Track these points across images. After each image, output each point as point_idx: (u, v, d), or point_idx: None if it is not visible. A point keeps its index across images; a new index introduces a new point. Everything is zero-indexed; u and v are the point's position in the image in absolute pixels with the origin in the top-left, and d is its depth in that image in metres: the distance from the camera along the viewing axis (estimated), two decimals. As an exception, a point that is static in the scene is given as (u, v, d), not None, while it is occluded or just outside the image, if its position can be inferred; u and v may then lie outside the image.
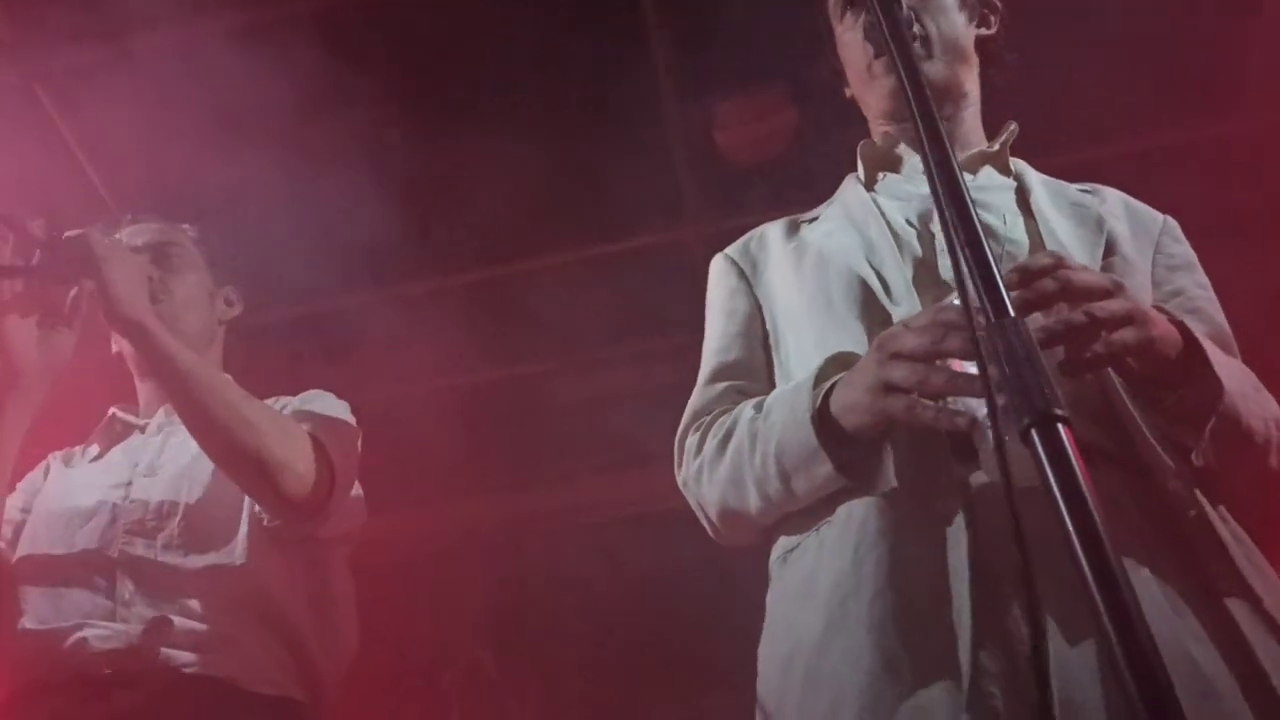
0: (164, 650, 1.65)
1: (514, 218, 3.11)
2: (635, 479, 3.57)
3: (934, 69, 1.53)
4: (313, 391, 2.00)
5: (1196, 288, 1.45)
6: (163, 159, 2.88)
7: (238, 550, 1.75)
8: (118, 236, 1.97)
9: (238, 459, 1.68)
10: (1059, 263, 1.17)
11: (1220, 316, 1.43)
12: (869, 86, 1.60)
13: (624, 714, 3.66)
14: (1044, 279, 1.14)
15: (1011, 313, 0.78)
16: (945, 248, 1.36)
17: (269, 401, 1.95)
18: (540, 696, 3.89)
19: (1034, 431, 0.73)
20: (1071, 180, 1.58)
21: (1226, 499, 1.26)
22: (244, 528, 1.76)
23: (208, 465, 1.79)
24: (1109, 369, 1.22)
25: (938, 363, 1.15)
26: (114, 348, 2.04)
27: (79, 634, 1.66)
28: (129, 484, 1.83)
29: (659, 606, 3.62)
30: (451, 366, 3.60)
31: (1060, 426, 0.72)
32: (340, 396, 2.01)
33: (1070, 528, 0.70)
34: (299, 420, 1.82)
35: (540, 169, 2.97)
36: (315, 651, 1.78)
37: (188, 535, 1.75)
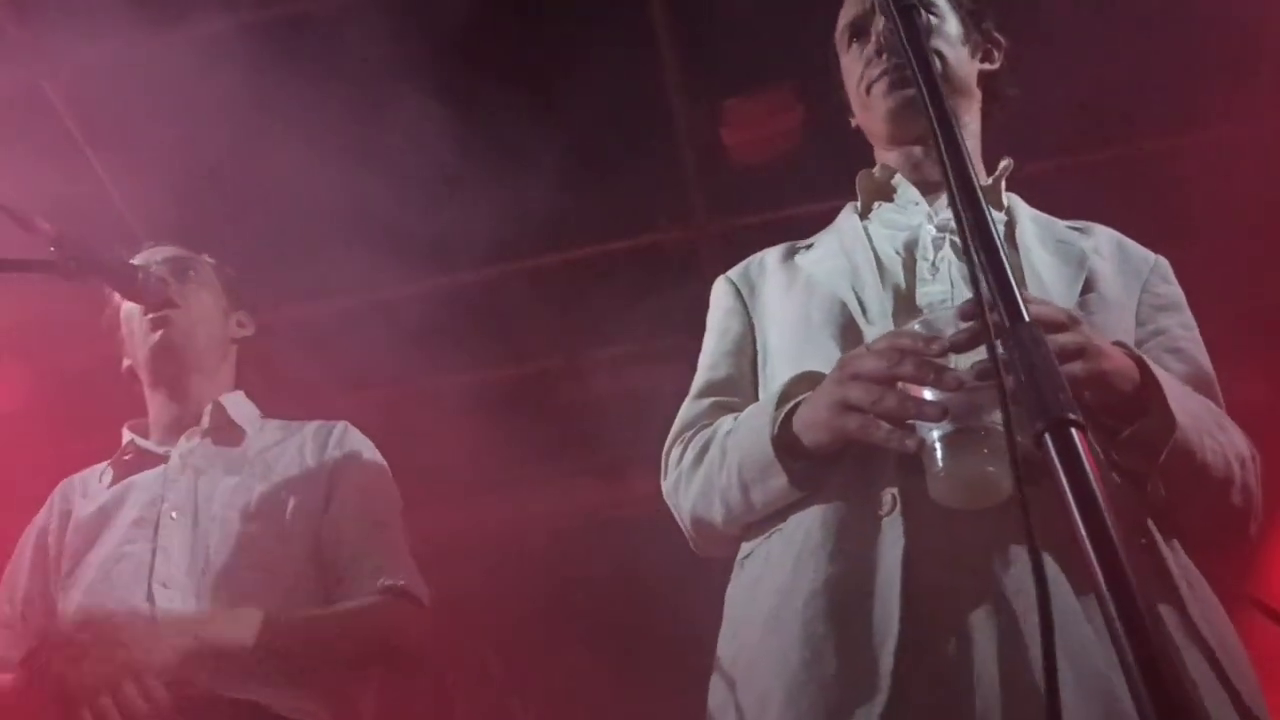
0: (199, 675, 1.65)
1: (520, 217, 3.10)
2: (639, 479, 3.57)
3: None
4: (346, 441, 2.00)
5: (1180, 328, 1.47)
6: (172, 158, 2.88)
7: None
8: (140, 258, 2.03)
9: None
10: None
11: (1203, 357, 1.45)
12: (868, 112, 1.62)
13: (626, 712, 3.66)
14: (994, 312, 1.16)
15: (1027, 318, 0.79)
16: (925, 276, 1.41)
17: (303, 427, 1.98)
18: (543, 695, 3.89)
19: (1047, 436, 0.73)
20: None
21: (1183, 533, 1.28)
22: (276, 597, 1.76)
23: (238, 524, 1.81)
24: None
25: (898, 385, 1.19)
26: (125, 364, 2.06)
27: None
28: (156, 524, 1.84)
29: (662, 606, 3.62)
30: (456, 366, 3.60)
31: (1074, 431, 0.72)
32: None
33: (1083, 532, 0.70)
34: (377, 569, 1.84)
35: (547, 168, 2.97)
36: (348, 683, 1.80)
37: (216, 595, 1.75)
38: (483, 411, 3.68)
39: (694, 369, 1.65)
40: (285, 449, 1.96)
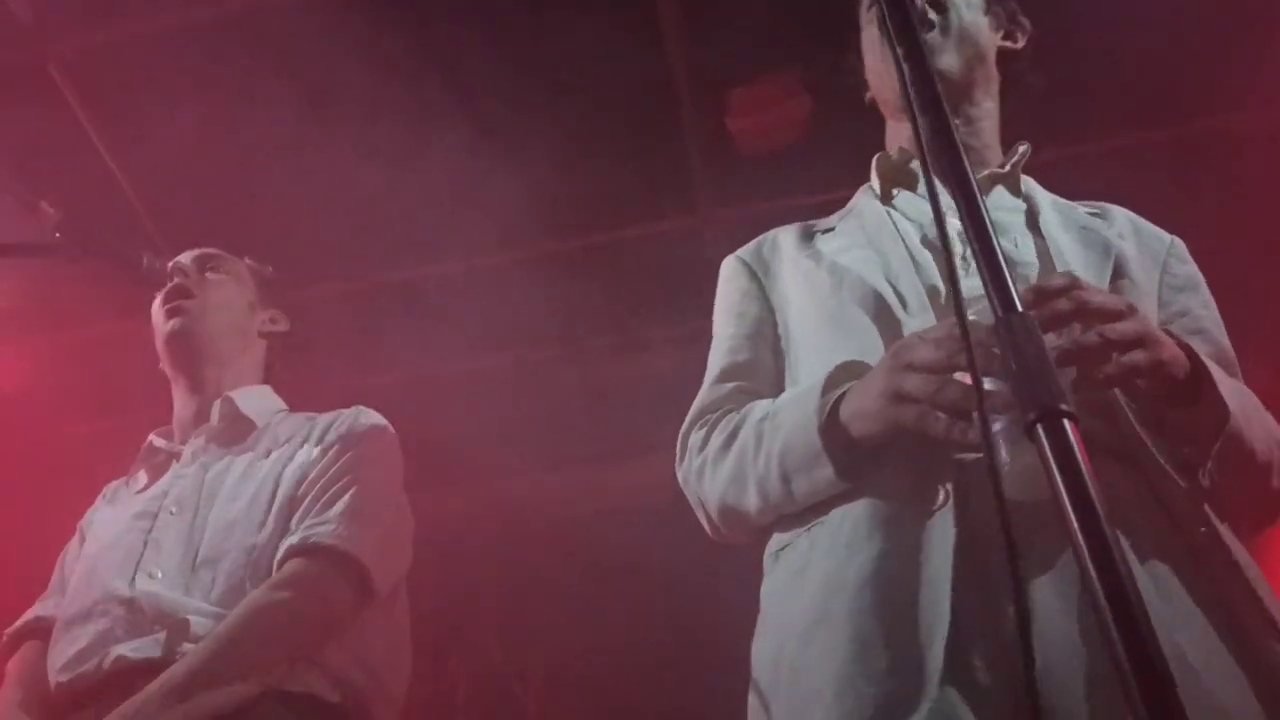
0: (185, 645, 1.66)
1: (527, 204, 3.10)
2: (641, 467, 3.57)
3: (947, 60, 1.52)
4: (356, 417, 1.98)
5: (1201, 308, 1.47)
6: (180, 143, 2.88)
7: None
8: (178, 260, 2.05)
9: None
10: (1074, 283, 1.18)
11: (1224, 338, 1.45)
12: (887, 80, 1.58)
13: (627, 700, 3.67)
14: (1059, 299, 1.16)
15: (1019, 308, 0.78)
16: (960, 269, 1.38)
17: (322, 417, 1.97)
18: (543, 680, 3.91)
19: (1039, 426, 0.73)
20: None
21: (1228, 518, 1.27)
22: (249, 586, 1.74)
23: (233, 512, 1.81)
24: (1117, 389, 1.24)
25: (953, 375, 1.16)
26: (162, 365, 2.08)
27: (115, 653, 1.68)
28: (155, 515, 1.85)
29: (662, 593, 3.63)
30: (459, 353, 3.61)
31: (1065, 421, 0.72)
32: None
33: (1074, 522, 0.70)
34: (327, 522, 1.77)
35: (553, 155, 2.96)
36: (344, 662, 1.76)
37: (202, 586, 1.74)
38: (486, 396, 3.69)
39: (699, 356, 1.62)
40: (296, 435, 1.96)
